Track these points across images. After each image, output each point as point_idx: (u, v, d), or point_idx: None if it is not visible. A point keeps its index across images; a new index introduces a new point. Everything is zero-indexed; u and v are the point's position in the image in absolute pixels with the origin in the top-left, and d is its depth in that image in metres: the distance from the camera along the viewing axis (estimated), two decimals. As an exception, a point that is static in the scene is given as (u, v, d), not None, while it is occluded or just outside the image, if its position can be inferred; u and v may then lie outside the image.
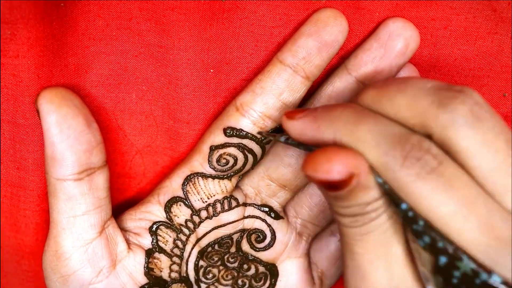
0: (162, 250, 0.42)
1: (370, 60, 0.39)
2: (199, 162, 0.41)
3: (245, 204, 0.43)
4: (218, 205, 0.42)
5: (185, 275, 0.43)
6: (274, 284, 0.45)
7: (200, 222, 0.42)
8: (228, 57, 0.41)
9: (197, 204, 0.42)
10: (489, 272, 0.30)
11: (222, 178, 0.41)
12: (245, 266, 0.45)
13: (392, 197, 0.31)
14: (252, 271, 0.45)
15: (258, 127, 0.40)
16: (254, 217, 0.44)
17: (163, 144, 0.44)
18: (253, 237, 0.44)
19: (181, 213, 0.42)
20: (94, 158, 0.39)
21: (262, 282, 0.45)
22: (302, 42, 0.38)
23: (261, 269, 0.45)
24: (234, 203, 0.43)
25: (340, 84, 0.40)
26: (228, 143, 0.40)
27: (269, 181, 0.43)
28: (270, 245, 0.44)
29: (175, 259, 0.43)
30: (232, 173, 0.41)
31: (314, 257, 0.46)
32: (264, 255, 0.45)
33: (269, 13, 0.40)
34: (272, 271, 0.45)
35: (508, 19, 0.39)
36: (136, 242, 0.42)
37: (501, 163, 0.31)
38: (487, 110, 0.31)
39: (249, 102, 0.40)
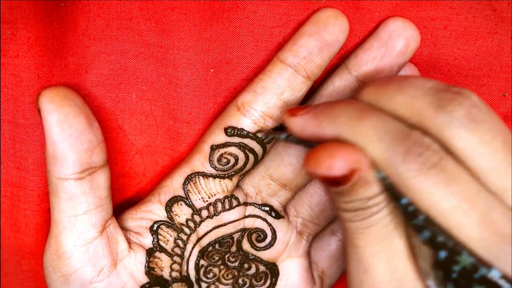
0: (163, 250, 0.42)
1: (370, 60, 0.39)
2: (200, 162, 0.41)
3: (245, 204, 0.43)
4: (219, 205, 0.42)
5: (185, 274, 0.43)
6: (275, 283, 0.45)
7: (201, 222, 0.42)
8: (228, 57, 0.41)
9: (198, 204, 0.42)
10: (489, 266, 0.30)
11: (223, 177, 0.41)
12: (246, 266, 0.45)
13: (392, 192, 0.32)
14: (253, 270, 0.45)
15: (259, 127, 0.40)
16: (255, 217, 0.44)
17: (163, 144, 0.44)
18: (253, 236, 0.44)
19: (182, 213, 0.42)
20: (95, 158, 0.39)
21: (262, 281, 0.45)
22: (303, 41, 0.38)
23: (262, 268, 0.45)
24: (235, 203, 0.43)
25: (340, 83, 0.40)
26: (229, 142, 0.40)
27: (269, 180, 0.43)
28: (270, 245, 0.44)
29: (176, 258, 0.43)
30: (233, 173, 0.41)
31: (315, 256, 0.46)
32: (265, 255, 0.45)
33: (269, 13, 0.40)
34: (272, 270, 0.45)
35: (508, 19, 0.39)
36: (137, 242, 0.42)
37: (500, 163, 0.31)
38: (485, 112, 0.32)
39: (250, 102, 0.40)
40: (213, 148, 0.41)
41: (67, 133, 0.37)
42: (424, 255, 0.32)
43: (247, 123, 0.40)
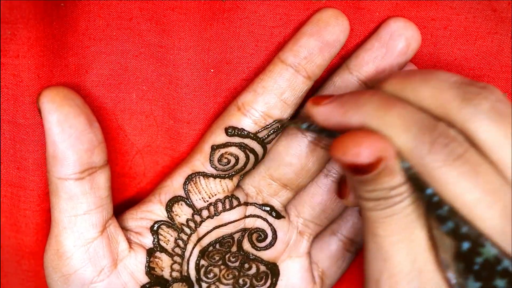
0: (163, 250, 0.42)
1: (371, 60, 0.39)
2: (200, 162, 0.41)
3: (246, 204, 0.43)
4: (220, 205, 0.42)
5: (186, 274, 0.43)
6: (275, 283, 0.45)
7: (202, 222, 0.42)
8: (229, 57, 0.41)
9: (199, 204, 0.42)
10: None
11: (224, 177, 0.41)
12: (246, 266, 0.45)
13: (417, 182, 0.32)
14: (253, 270, 0.45)
15: (260, 127, 0.40)
16: (255, 217, 0.44)
17: (164, 144, 0.44)
18: (254, 236, 0.44)
19: (182, 213, 0.42)
20: (96, 158, 0.39)
21: (263, 281, 0.45)
22: (304, 42, 0.38)
23: (262, 268, 0.45)
24: (235, 203, 0.43)
25: (341, 83, 0.40)
26: (230, 142, 0.40)
27: (270, 180, 0.43)
28: (271, 244, 0.44)
29: (176, 258, 0.43)
30: (233, 173, 0.41)
31: (315, 257, 0.46)
32: (265, 254, 0.45)
33: (269, 13, 0.40)
34: (273, 270, 0.45)
35: (508, 19, 0.40)
36: (137, 242, 0.42)
37: None
38: (509, 107, 0.32)
39: (251, 102, 0.40)
40: (214, 148, 0.41)
41: (67, 133, 0.37)
42: (446, 246, 0.32)
43: (248, 123, 0.40)
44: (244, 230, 0.44)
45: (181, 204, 0.42)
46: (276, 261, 0.45)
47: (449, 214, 0.31)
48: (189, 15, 0.40)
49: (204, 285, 0.44)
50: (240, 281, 0.45)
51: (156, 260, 0.42)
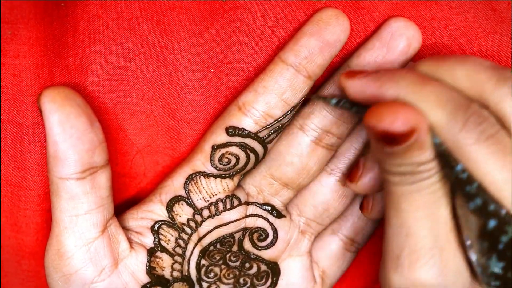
0: (164, 249, 0.42)
1: (372, 59, 0.39)
2: (201, 161, 0.41)
3: (247, 203, 0.43)
4: (220, 204, 0.42)
5: (187, 274, 0.43)
6: (276, 282, 0.45)
7: (202, 221, 0.42)
8: (229, 57, 0.41)
9: (199, 203, 0.42)
10: None
11: (224, 177, 0.41)
12: (247, 265, 0.45)
13: (447, 158, 0.32)
14: (254, 269, 0.45)
15: (260, 126, 0.40)
16: (256, 216, 0.44)
17: (164, 144, 0.44)
18: (255, 235, 0.44)
19: (183, 212, 0.42)
20: (97, 158, 0.39)
21: (264, 280, 0.45)
22: (304, 41, 0.38)
23: (263, 267, 0.45)
24: (236, 202, 0.43)
25: None
26: (230, 142, 0.40)
27: (271, 179, 0.43)
28: (272, 244, 0.44)
29: (177, 258, 0.43)
30: (234, 172, 0.41)
31: (315, 256, 0.46)
32: (266, 254, 0.45)
33: (269, 13, 0.40)
34: (274, 269, 0.45)
35: (508, 19, 0.40)
36: (138, 241, 0.42)
37: None
38: None
39: (251, 101, 0.40)
40: (214, 148, 0.41)
41: (68, 133, 0.37)
42: (471, 224, 0.32)
43: (248, 123, 0.40)
44: (245, 229, 0.44)
45: (182, 204, 0.42)
46: (277, 260, 0.45)
47: (478, 191, 0.32)
48: (189, 15, 0.40)
49: (204, 284, 0.44)
50: (241, 280, 0.45)
51: (157, 259, 0.42)
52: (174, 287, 0.43)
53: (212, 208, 0.42)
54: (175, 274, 0.43)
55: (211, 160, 0.41)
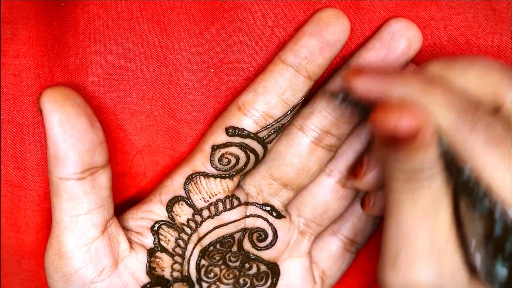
0: (164, 249, 0.42)
1: (372, 60, 0.39)
2: (201, 162, 0.41)
3: (247, 203, 0.43)
4: (220, 205, 0.42)
5: (186, 274, 0.43)
6: (276, 283, 0.45)
7: (202, 222, 0.42)
8: (229, 57, 0.41)
9: (199, 204, 0.42)
10: None
11: (224, 177, 0.41)
12: (247, 265, 0.45)
13: (455, 160, 0.32)
14: (254, 270, 0.45)
15: (260, 127, 0.40)
16: (256, 216, 0.44)
17: (164, 144, 0.44)
18: (254, 236, 0.44)
19: (183, 213, 0.42)
20: (97, 158, 0.39)
21: (263, 281, 0.45)
22: (305, 41, 0.38)
23: (263, 268, 0.45)
24: (236, 202, 0.43)
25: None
26: (230, 142, 0.40)
27: (271, 180, 0.43)
28: (271, 244, 0.44)
29: (177, 258, 0.43)
30: (234, 173, 0.41)
31: (315, 256, 0.46)
32: (266, 254, 0.45)
33: (269, 13, 0.40)
34: (273, 270, 0.45)
35: (508, 19, 0.40)
36: (138, 242, 0.42)
37: None
38: None
39: (251, 102, 0.40)
40: (214, 148, 0.41)
41: (68, 134, 0.37)
42: (476, 228, 0.32)
43: (248, 123, 0.40)
44: (244, 230, 0.44)
45: (182, 204, 0.42)
46: (276, 261, 0.45)
47: (485, 195, 0.31)
48: (189, 15, 0.40)
49: (204, 285, 0.44)
50: (241, 281, 0.45)
51: (157, 260, 0.42)
52: (174, 287, 0.43)
53: (212, 208, 0.42)
54: (175, 274, 0.43)
55: (211, 160, 0.41)
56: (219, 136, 0.40)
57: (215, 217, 0.42)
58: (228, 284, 0.45)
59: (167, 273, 0.43)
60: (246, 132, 0.40)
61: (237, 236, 0.44)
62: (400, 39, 0.39)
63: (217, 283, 0.44)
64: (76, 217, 0.39)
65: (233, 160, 0.41)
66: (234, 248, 0.44)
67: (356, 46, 0.41)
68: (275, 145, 0.42)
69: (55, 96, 0.37)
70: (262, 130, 0.40)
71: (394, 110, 0.31)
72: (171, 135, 0.43)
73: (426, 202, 0.34)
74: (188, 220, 0.42)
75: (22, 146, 0.41)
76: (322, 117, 0.41)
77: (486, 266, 0.32)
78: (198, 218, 0.42)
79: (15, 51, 0.38)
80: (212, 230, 0.43)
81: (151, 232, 0.42)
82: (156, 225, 0.42)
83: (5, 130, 0.41)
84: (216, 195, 0.42)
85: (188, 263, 0.43)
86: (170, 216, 0.42)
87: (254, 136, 0.40)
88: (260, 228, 0.44)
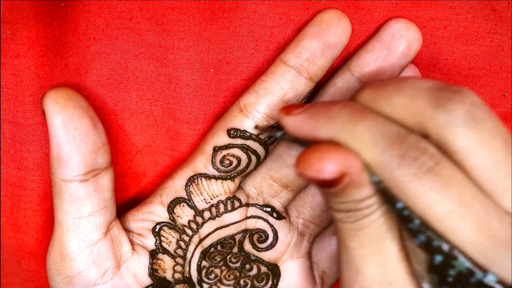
0: (165, 251, 0.42)
1: (372, 61, 0.39)
2: (202, 163, 0.41)
3: (247, 205, 0.43)
4: (221, 206, 0.42)
5: (188, 275, 0.43)
6: (276, 284, 0.45)
7: (203, 223, 0.43)
8: (228, 57, 0.41)
9: (200, 205, 0.42)
10: (485, 271, 0.30)
11: (225, 179, 0.41)
12: (247, 266, 0.45)
13: (387, 196, 0.32)
14: (254, 271, 0.45)
15: (262, 128, 0.40)
16: (257, 217, 0.44)
17: (164, 144, 0.44)
18: (255, 237, 0.44)
19: (184, 214, 0.42)
20: (100, 159, 0.39)
21: (264, 282, 0.45)
22: (306, 43, 0.38)
23: (263, 269, 0.45)
24: (237, 204, 0.43)
25: (343, 84, 0.40)
26: (232, 144, 0.40)
27: (271, 181, 0.43)
28: (272, 245, 0.44)
29: (178, 259, 0.43)
30: (235, 174, 0.41)
31: (315, 257, 0.46)
32: (266, 255, 0.45)
33: (269, 13, 0.40)
34: (274, 271, 0.45)
35: (508, 19, 0.40)
36: (140, 243, 0.42)
37: (499, 163, 0.31)
38: (484, 111, 0.31)
39: (253, 103, 0.40)
40: (216, 149, 0.41)
41: (71, 135, 0.37)
42: (419, 258, 0.32)
43: (250, 124, 0.40)
44: (245, 231, 0.44)
45: (183, 206, 0.42)
46: (277, 262, 0.45)
47: (421, 228, 0.31)
48: (189, 15, 0.40)
49: (205, 286, 0.44)
50: (241, 282, 0.45)
51: (159, 261, 0.42)
52: (175, 288, 0.43)
53: (213, 209, 0.42)
54: (177, 275, 0.43)
55: (212, 161, 0.41)
56: (220, 138, 0.40)
57: (216, 218, 0.43)
58: (228, 285, 0.45)
59: (168, 275, 0.43)
60: (247, 134, 0.40)
61: (238, 237, 0.44)
62: (400, 40, 0.39)
63: (218, 284, 0.44)
64: (79, 219, 0.39)
65: (235, 162, 0.41)
66: (235, 249, 0.44)
67: (355, 46, 0.41)
68: (276, 146, 0.42)
69: (58, 98, 0.37)
70: (262, 133, 0.40)
71: (314, 157, 0.31)
72: (171, 135, 0.43)
73: (370, 238, 0.33)
74: (189, 222, 0.42)
75: (22, 146, 0.41)
76: None
77: None
78: (199, 219, 0.42)
79: (15, 51, 0.38)
80: (213, 231, 0.43)
81: (153, 233, 0.42)
82: (158, 227, 0.42)
83: (5, 130, 0.41)
84: (217, 196, 0.42)
85: (189, 265, 0.43)
86: (171, 217, 0.42)
87: (256, 138, 0.40)
88: (260, 229, 0.44)
